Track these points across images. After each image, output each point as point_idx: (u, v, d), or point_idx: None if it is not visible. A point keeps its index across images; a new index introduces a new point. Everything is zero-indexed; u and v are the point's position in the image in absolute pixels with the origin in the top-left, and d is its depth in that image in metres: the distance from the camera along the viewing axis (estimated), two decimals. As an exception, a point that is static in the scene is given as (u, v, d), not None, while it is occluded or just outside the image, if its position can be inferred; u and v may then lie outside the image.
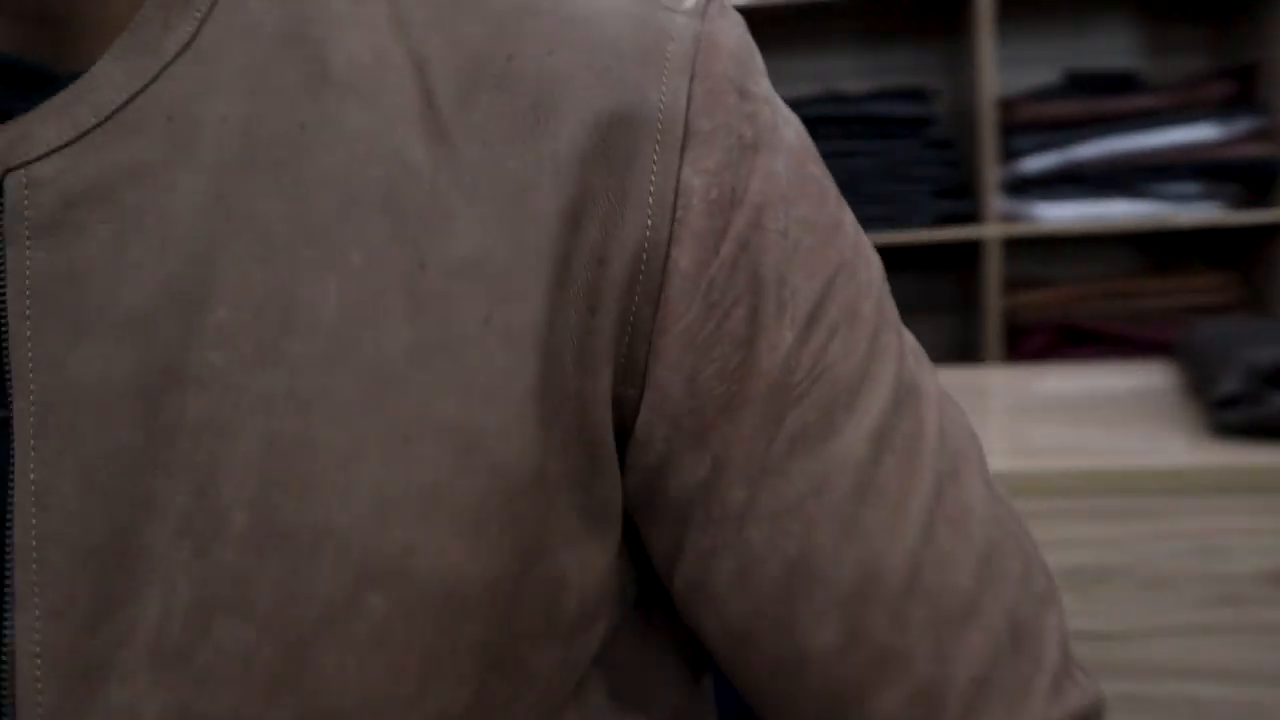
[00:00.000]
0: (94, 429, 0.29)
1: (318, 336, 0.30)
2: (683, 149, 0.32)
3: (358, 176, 0.31)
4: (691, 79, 0.33)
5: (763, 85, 0.35)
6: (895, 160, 2.06)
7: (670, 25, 0.34)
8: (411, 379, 0.30)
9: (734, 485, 0.34)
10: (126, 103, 0.31)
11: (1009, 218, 2.04)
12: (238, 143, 0.31)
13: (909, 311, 2.31)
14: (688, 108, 0.33)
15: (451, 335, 0.30)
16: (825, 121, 2.10)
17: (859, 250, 0.37)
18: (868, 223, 2.05)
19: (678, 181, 0.32)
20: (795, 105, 2.14)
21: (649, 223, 0.32)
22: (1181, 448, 1.04)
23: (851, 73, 2.28)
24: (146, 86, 0.31)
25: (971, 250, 2.16)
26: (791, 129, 0.36)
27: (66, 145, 0.31)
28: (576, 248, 0.31)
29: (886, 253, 2.26)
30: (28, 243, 0.31)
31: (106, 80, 0.31)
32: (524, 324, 0.31)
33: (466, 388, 0.30)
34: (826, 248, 0.35)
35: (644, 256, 0.32)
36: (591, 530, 0.34)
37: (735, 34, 0.35)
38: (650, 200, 0.32)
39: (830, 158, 2.08)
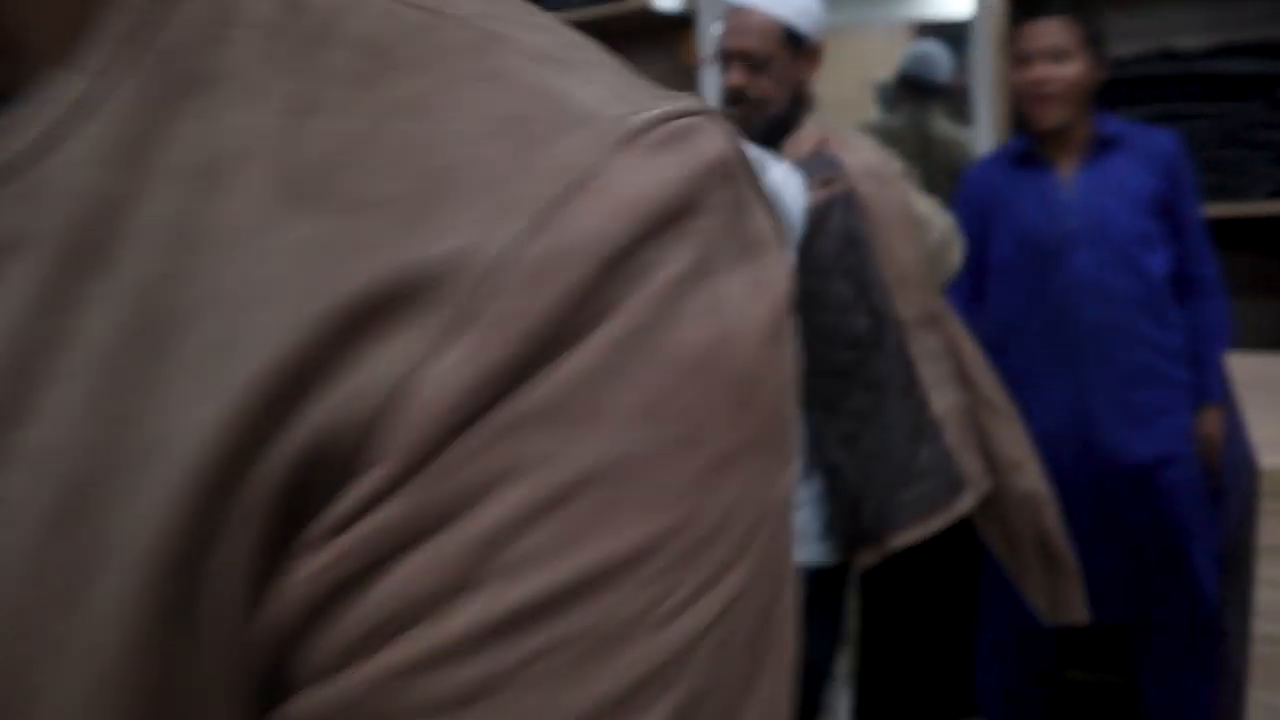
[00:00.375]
0: None
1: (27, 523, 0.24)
2: (451, 329, 0.22)
3: (136, 303, 0.24)
4: (533, 232, 0.23)
5: (673, 259, 0.24)
6: (1236, 124, 1.88)
7: (562, 152, 0.24)
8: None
9: None
10: (14, 164, 0.25)
11: (1373, 189, 1.81)
12: (92, 229, 0.25)
13: (1243, 294, 2.10)
14: (494, 272, 0.22)
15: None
16: (1156, 81, 1.94)
17: (702, 555, 0.24)
18: (1200, 193, 1.88)
19: (412, 375, 0.22)
20: (1122, 65, 1.99)
21: (336, 426, 0.22)
22: None
23: (1189, 26, 2.09)
24: (36, 147, 0.25)
25: (1323, 225, 1.94)
26: (698, 328, 0.24)
27: None
28: (247, 446, 0.23)
29: (1222, 225, 2.07)
30: None
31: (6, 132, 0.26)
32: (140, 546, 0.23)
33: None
34: (635, 512, 0.23)
35: (304, 467, 0.23)
36: None
37: (667, 176, 0.24)
38: (353, 394, 0.22)
39: (1161, 121, 1.93)
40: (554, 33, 0.28)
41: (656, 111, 0.25)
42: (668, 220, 0.24)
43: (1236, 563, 1.28)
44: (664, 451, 0.23)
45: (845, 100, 2.67)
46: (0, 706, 0.23)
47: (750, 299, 0.25)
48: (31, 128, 0.25)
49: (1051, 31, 1.74)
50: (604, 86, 0.26)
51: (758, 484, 0.25)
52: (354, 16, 0.26)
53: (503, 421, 0.22)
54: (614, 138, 0.24)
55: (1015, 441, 1.61)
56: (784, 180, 1.42)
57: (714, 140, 0.26)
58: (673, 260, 0.24)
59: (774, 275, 0.26)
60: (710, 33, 2.43)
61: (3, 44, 0.26)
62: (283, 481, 0.23)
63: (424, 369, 0.22)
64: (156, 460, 0.23)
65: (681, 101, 0.26)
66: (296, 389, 0.23)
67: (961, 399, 1.61)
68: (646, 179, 0.24)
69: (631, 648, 0.22)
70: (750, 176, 0.27)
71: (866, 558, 1.53)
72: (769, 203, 0.28)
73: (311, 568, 0.22)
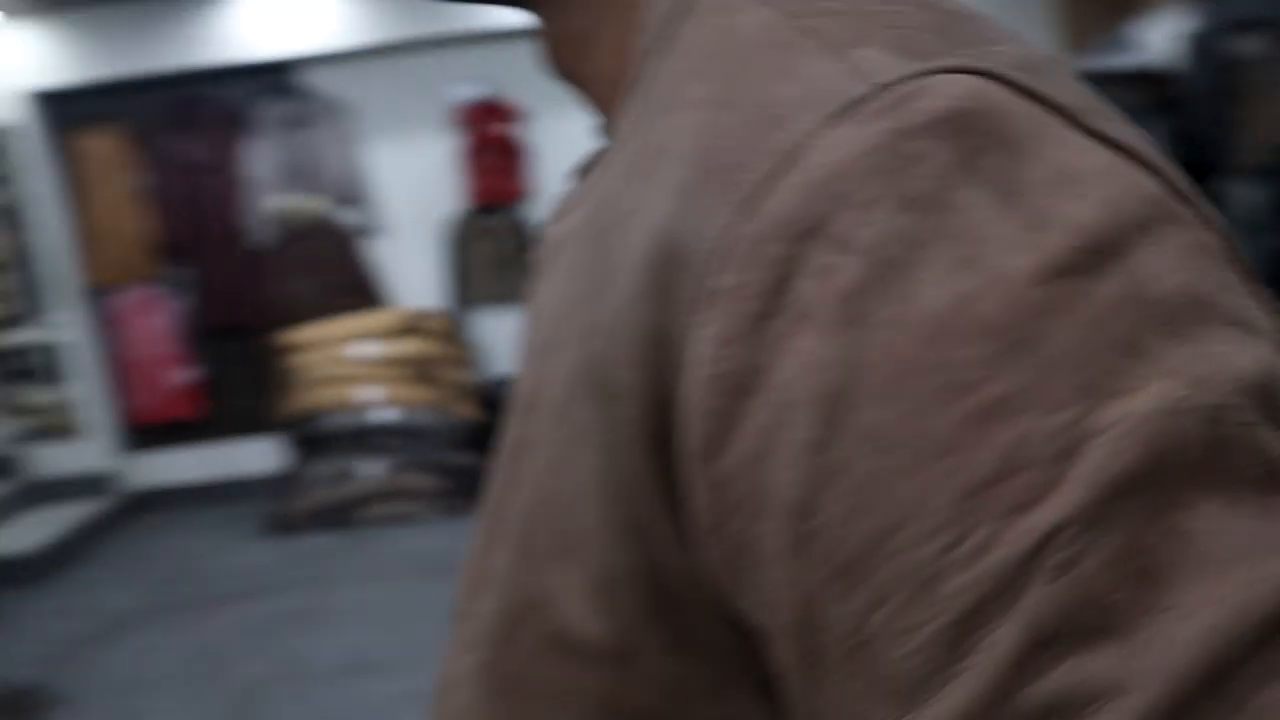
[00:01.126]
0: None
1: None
2: (697, 305, 0.27)
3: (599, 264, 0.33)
4: (742, 213, 0.27)
5: (882, 234, 0.25)
6: None
7: (783, 134, 0.27)
8: None
9: (797, 706, 0.28)
10: (584, 195, 0.38)
11: None
12: (604, 218, 0.34)
13: None
14: (712, 256, 0.27)
15: None
16: None
17: (979, 505, 0.23)
18: None
19: (690, 342, 0.28)
20: None
21: (667, 385, 0.28)
22: None
23: None
24: (587, 192, 0.38)
25: None
26: (935, 294, 0.25)
27: (560, 216, 0.41)
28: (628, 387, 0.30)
29: None
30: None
31: (585, 174, 0.40)
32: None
33: None
34: (894, 482, 0.24)
35: (666, 418, 0.29)
36: None
37: (871, 144, 0.26)
38: (670, 358, 0.28)
39: None
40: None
41: (899, 73, 0.27)
42: (863, 192, 0.25)
43: None
44: (918, 408, 0.24)
45: None
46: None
47: (1009, 248, 0.25)
48: (603, 158, 0.38)
49: None
50: (878, 49, 0.28)
51: (1059, 417, 0.23)
52: (735, 34, 0.31)
53: (766, 408, 0.26)
54: (834, 109, 0.26)
55: None
56: None
57: (940, 100, 0.26)
58: (877, 234, 0.25)
59: (1056, 215, 0.25)
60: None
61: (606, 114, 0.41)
62: (647, 427, 0.29)
63: (694, 338, 0.27)
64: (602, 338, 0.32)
65: (947, 59, 0.27)
66: (646, 288, 0.29)
67: None
68: (844, 150, 0.26)
69: (943, 588, 0.23)
70: (1008, 124, 0.26)
71: None
72: (1046, 141, 0.27)
73: (700, 528, 0.29)
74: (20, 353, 5.45)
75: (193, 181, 5.28)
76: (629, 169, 0.33)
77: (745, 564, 0.27)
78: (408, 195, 5.28)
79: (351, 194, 5.26)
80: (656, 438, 0.29)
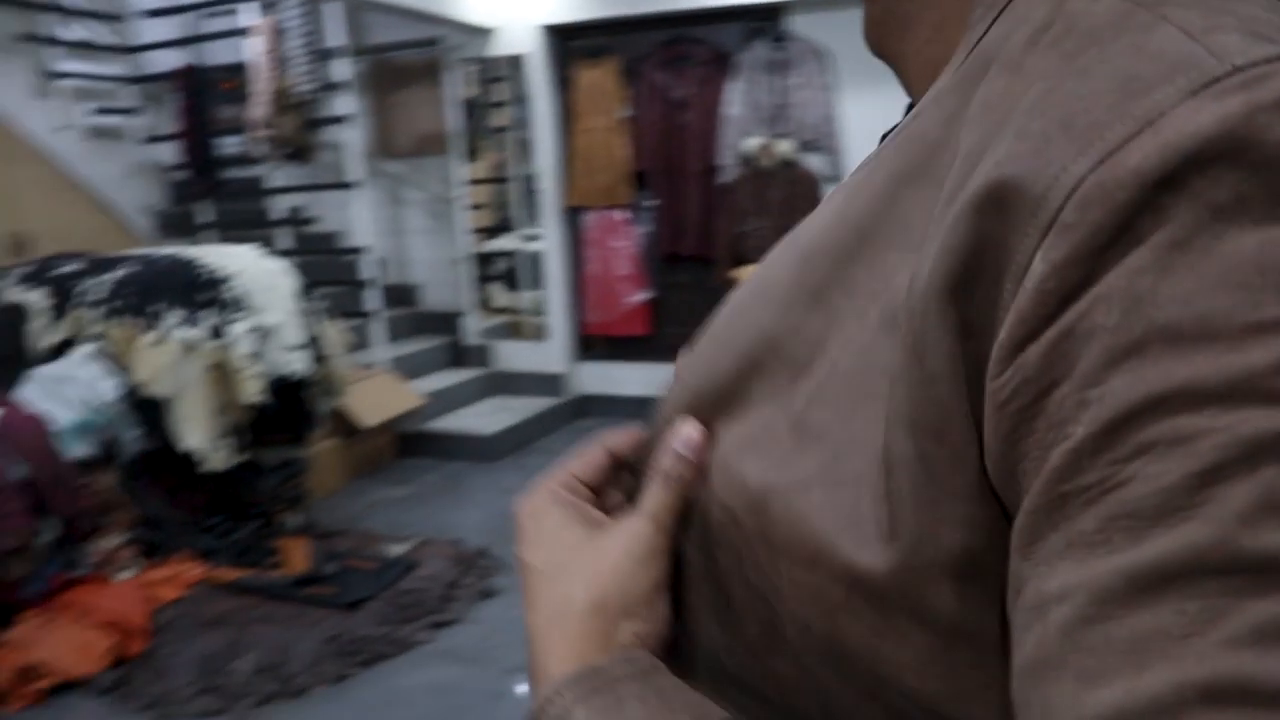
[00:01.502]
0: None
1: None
2: (1043, 234, 0.32)
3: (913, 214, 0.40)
4: (1095, 167, 0.31)
5: (1221, 186, 0.29)
6: None
7: (1149, 101, 0.31)
8: None
9: (1015, 551, 0.33)
10: (906, 123, 0.44)
11: None
12: (930, 157, 0.41)
13: None
14: (1067, 196, 0.31)
15: None
16: None
17: (1246, 390, 0.28)
18: None
19: (1029, 262, 0.32)
20: None
21: (994, 290, 0.33)
22: None
23: None
24: (914, 116, 0.44)
25: None
26: (1246, 237, 0.29)
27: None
28: (957, 287, 0.34)
29: None
30: None
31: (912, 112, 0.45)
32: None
33: None
34: (1178, 362, 0.29)
35: (988, 315, 0.33)
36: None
37: (1225, 114, 0.29)
38: (1007, 269, 0.33)
39: None
40: None
41: (1254, 56, 0.30)
42: (1214, 154, 0.29)
43: None
44: (1211, 314, 0.29)
45: None
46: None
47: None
48: (915, 108, 0.44)
49: None
50: (1232, 34, 0.32)
51: None
52: (1087, 16, 0.36)
53: (1081, 305, 0.30)
54: (1196, 84, 0.30)
55: None
56: None
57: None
58: (1217, 186, 0.29)
59: None
60: None
61: (911, 90, 0.50)
62: (956, 319, 0.34)
63: (1032, 258, 0.32)
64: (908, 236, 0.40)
65: None
66: (977, 259, 0.34)
67: None
68: (1203, 119, 0.30)
69: (1198, 446, 0.28)
70: None
71: None
72: None
73: (992, 405, 0.33)
74: (502, 257, 6.14)
75: (671, 117, 5.63)
76: (954, 118, 0.40)
77: (1031, 428, 0.32)
78: (872, 144, 5.23)
79: (820, 140, 5.37)
80: (961, 329, 0.34)
